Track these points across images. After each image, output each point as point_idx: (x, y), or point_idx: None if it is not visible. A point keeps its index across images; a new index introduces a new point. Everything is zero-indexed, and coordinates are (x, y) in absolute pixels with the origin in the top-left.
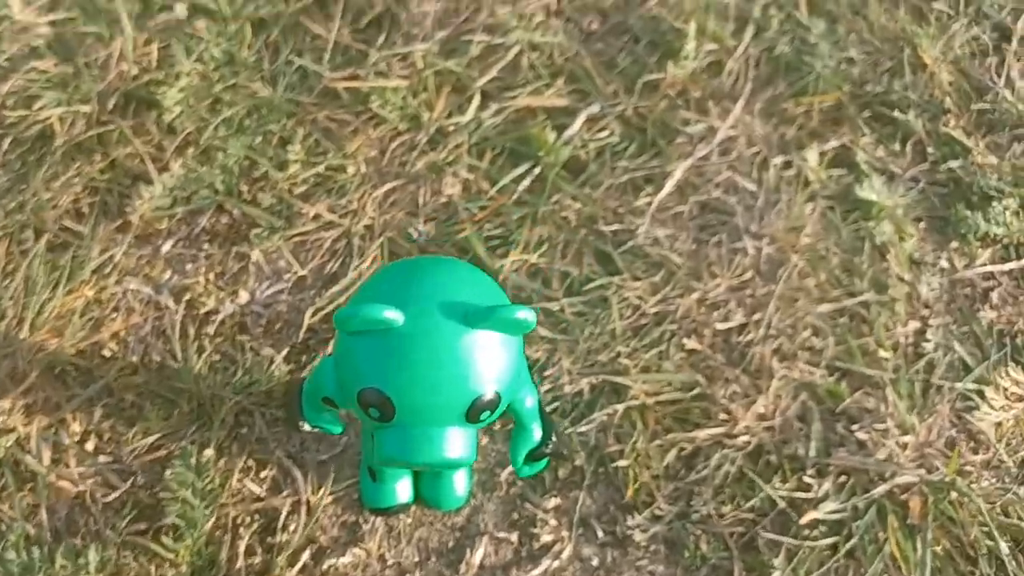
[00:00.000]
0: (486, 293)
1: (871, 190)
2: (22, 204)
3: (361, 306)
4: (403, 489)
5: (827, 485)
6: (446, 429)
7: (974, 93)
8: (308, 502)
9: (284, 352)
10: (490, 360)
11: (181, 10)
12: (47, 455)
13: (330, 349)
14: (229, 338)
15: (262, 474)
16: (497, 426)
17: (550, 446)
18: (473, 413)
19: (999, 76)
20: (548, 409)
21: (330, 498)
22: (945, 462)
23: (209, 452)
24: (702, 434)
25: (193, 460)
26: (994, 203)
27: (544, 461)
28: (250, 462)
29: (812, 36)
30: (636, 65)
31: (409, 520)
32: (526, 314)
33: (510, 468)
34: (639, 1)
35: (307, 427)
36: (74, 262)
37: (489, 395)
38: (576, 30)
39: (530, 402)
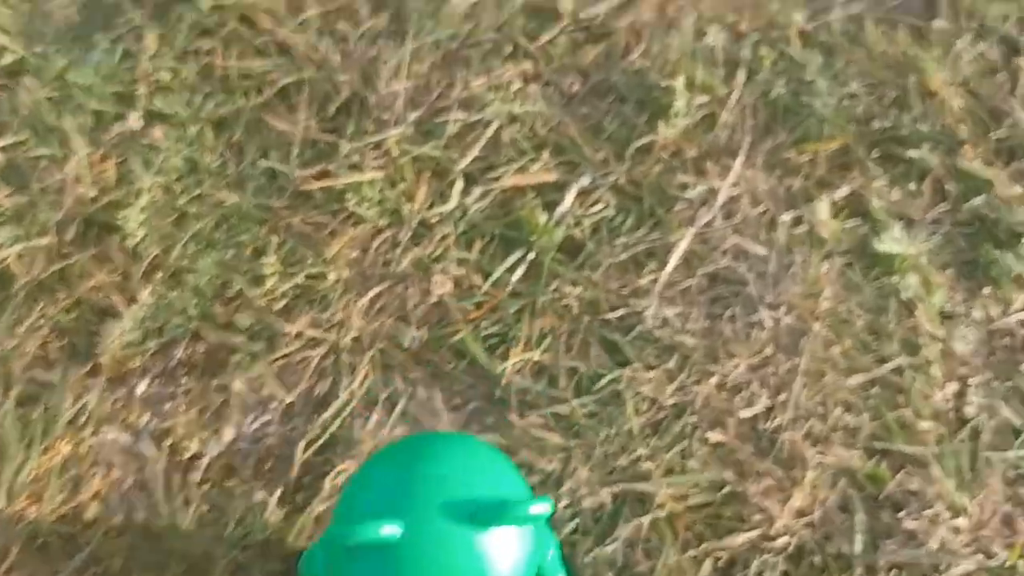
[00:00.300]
0: (492, 476)
1: (891, 240)
2: None
3: (353, 526)
4: None
5: None
6: None
7: (989, 118)
8: None
9: (278, 493)
10: (504, 558)
11: (135, 119)
12: None
13: (323, 509)
14: (217, 484)
15: None
16: None
17: None
18: None
19: (1014, 96)
20: (569, 528)
21: None
22: (1004, 544)
23: None
24: (738, 539)
25: None
26: None
27: None
28: None
29: (808, 73)
30: (624, 128)
31: None
32: (540, 508)
33: None
34: (620, 55)
35: None
36: (47, 415)
37: None
38: (557, 94)
39: (551, 554)
